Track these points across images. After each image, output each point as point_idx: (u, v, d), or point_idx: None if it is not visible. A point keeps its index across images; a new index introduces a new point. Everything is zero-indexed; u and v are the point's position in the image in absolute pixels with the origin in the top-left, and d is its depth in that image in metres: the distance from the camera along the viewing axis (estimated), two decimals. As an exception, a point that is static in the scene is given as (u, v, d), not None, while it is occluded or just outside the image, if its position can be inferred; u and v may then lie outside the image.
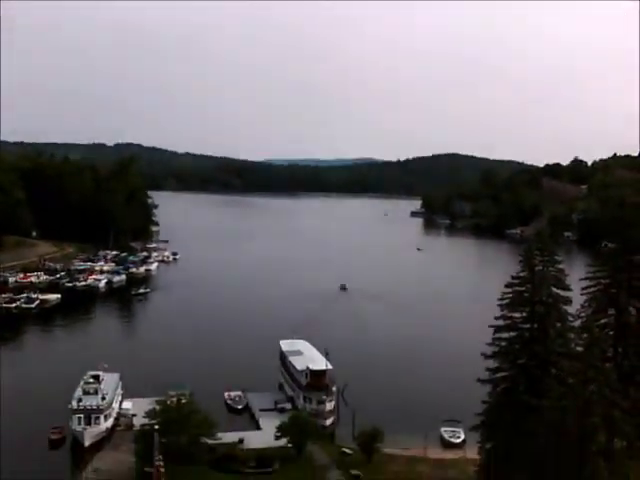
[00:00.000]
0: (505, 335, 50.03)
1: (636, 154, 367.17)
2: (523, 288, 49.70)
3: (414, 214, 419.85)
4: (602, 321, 55.55)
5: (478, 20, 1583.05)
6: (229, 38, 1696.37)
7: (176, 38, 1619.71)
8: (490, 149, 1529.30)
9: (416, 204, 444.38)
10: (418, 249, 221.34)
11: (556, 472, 30.04)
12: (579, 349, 41.41)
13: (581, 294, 55.15)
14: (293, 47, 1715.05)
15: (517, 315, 49.72)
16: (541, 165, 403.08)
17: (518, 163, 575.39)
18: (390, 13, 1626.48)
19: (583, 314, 53.52)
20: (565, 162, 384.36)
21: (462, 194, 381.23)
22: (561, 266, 50.37)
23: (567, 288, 49.69)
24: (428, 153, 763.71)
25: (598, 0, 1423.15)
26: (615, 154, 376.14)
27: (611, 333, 55.10)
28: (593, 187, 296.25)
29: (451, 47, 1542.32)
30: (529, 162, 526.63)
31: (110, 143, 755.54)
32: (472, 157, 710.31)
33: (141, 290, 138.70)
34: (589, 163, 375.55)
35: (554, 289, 49.47)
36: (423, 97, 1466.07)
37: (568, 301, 49.18)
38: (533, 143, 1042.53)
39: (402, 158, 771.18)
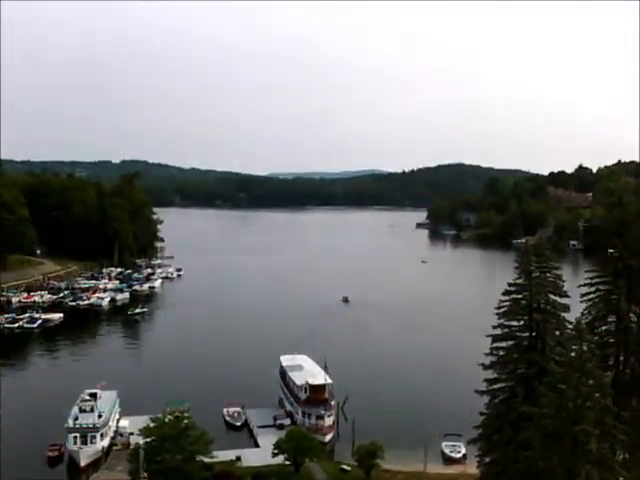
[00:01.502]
0: (503, 344, 49.16)
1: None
2: (520, 295, 48.79)
3: (419, 225, 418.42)
4: (602, 328, 54.62)
5: (483, 26, 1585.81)
6: (231, 51, 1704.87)
7: (179, 52, 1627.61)
8: (495, 158, 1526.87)
9: (421, 215, 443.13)
10: (423, 261, 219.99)
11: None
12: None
13: (580, 301, 54.23)
14: (292, 59, 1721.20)
15: (515, 324, 48.86)
16: (546, 173, 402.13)
17: (523, 172, 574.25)
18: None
19: (583, 321, 52.60)
20: (570, 170, 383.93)
21: (467, 204, 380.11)
22: (559, 272, 49.48)
23: (565, 295, 48.73)
24: (433, 163, 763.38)
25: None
26: (620, 160, 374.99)
27: (612, 340, 54.18)
28: (598, 194, 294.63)
29: (452, 60, 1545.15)
30: (534, 170, 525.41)
31: (116, 160, 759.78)
32: (477, 167, 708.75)
33: (137, 310, 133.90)
34: (594, 170, 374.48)
35: (552, 296, 48.54)
36: (427, 107, 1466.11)
37: (566, 308, 48.24)
38: (538, 151, 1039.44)
39: (407, 169, 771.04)
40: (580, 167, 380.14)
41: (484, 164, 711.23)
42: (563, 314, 47.92)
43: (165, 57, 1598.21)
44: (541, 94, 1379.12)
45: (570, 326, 49.09)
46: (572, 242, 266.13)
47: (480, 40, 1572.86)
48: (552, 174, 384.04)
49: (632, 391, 52.75)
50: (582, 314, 53.22)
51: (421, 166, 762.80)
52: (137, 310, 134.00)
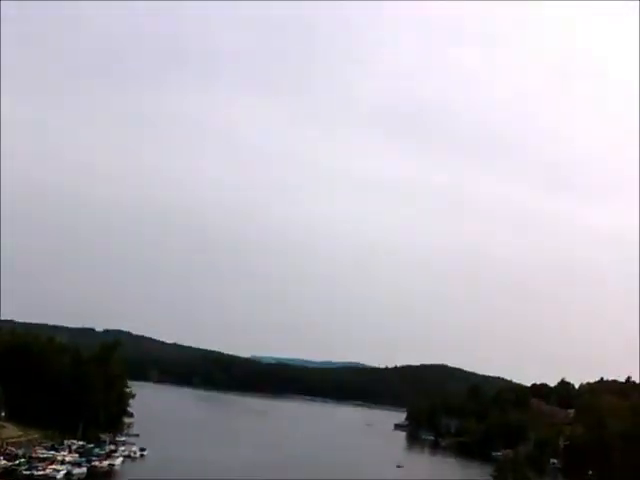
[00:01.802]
0: None
1: (623, 380, 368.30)
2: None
3: (398, 427, 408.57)
4: None
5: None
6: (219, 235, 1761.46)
7: (164, 225, 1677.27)
8: (478, 363, 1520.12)
9: (401, 416, 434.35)
10: (398, 466, 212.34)
11: None
12: None
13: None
14: (278, 249, 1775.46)
15: None
16: (528, 384, 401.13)
17: (506, 380, 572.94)
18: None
19: None
20: (552, 383, 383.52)
21: (448, 408, 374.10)
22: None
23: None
24: (416, 362, 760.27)
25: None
26: (602, 378, 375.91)
27: None
28: (579, 411, 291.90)
29: (440, 263, 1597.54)
30: (517, 380, 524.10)
31: (99, 328, 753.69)
32: (460, 370, 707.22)
33: None
34: (576, 385, 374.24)
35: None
36: (412, 306, 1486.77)
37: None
38: (520, 361, 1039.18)
39: (390, 365, 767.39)
40: (562, 381, 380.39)
41: (467, 368, 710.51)
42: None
43: (149, 228, 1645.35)
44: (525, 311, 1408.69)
45: None
46: (552, 460, 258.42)
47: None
48: (534, 386, 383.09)
49: None
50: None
51: (404, 363, 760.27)
52: None
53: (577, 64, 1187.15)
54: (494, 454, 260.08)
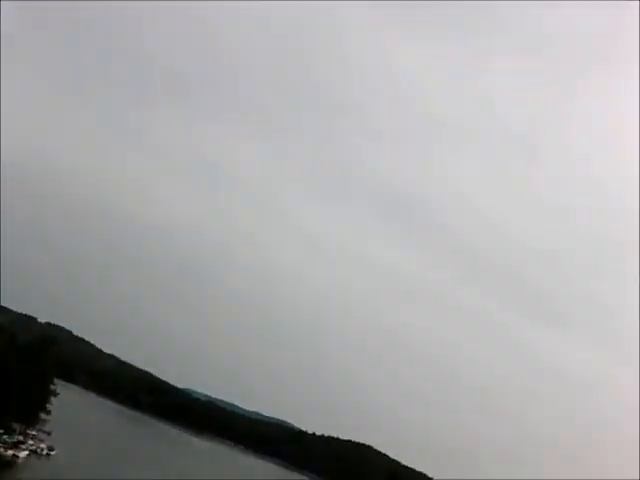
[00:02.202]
0: None
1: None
2: None
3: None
4: None
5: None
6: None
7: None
8: (406, 454, 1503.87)
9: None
10: None
11: None
12: None
13: None
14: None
15: None
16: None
17: (427, 477, 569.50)
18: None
19: None
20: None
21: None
22: None
23: None
24: (345, 436, 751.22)
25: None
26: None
27: None
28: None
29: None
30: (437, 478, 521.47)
31: (42, 319, 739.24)
32: (386, 456, 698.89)
33: None
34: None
35: None
36: (359, 385, 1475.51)
37: None
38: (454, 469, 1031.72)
39: (318, 432, 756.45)
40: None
41: (392, 454, 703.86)
42: None
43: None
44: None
45: None
46: None
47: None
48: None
49: None
50: None
51: (332, 434, 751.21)
52: None
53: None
54: None
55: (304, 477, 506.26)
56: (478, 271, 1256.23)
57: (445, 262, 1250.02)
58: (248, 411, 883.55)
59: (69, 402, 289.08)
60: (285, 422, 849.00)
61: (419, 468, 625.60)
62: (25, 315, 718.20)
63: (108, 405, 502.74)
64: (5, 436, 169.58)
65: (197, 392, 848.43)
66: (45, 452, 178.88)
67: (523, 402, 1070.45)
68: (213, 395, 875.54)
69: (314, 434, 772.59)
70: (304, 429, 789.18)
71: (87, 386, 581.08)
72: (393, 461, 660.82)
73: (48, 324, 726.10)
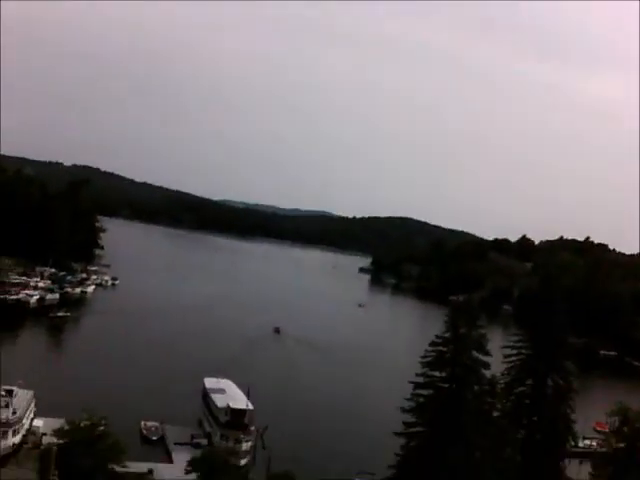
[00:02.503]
0: (424, 392, 51.10)
1: (582, 239, 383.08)
2: (445, 349, 51.08)
3: (362, 270, 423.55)
4: (519, 389, 57.26)
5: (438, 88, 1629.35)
6: (196, 68, 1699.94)
7: (143, 69, 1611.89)
8: (443, 218, 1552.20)
9: (365, 261, 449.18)
10: (360, 305, 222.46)
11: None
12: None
13: (502, 362, 56.77)
14: (263, 97, 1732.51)
15: (437, 374, 50.93)
16: (490, 239, 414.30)
17: (469, 234, 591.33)
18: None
19: (501, 381, 55.04)
20: (513, 239, 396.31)
21: (411, 257, 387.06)
22: (483, 331, 51.92)
23: (488, 353, 51.19)
24: (383, 214, 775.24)
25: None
26: (562, 237, 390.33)
27: (527, 402, 56.79)
28: (536, 265, 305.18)
29: (415, 112, 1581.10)
30: (479, 235, 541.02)
31: (67, 163, 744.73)
32: (425, 223, 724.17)
33: (60, 313, 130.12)
34: (536, 242, 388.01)
35: (475, 353, 50.94)
36: (382, 160, 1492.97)
37: (487, 365, 50.58)
38: (485, 218, 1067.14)
39: (358, 215, 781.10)
40: (523, 237, 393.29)
41: (432, 222, 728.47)
42: (483, 371, 50.28)
43: (129, 72, 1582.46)
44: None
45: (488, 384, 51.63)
46: (505, 306, 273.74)
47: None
48: (496, 240, 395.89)
49: (542, 450, 55.26)
50: (502, 374, 55.75)
51: (372, 215, 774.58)
52: (60, 313, 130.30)
53: None
54: (451, 298, 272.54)
55: (354, 255, 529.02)
56: None
57: None
58: (287, 209, 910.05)
59: (117, 233, 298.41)
60: (325, 212, 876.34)
61: (460, 229, 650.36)
62: (50, 162, 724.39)
63: (154, 230, 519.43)
64: (69, 276, 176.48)
65: (236, 202, 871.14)
66: (110, 283, 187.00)
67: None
68: (251, 201, 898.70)
69: (354, 217, 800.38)
70: (344, 215, 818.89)
71: (130, 217, 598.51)
72: (435, 227, 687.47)
73: (74, 166, 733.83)
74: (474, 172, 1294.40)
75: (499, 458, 31.43)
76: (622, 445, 68.23)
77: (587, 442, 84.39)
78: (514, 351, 57.50)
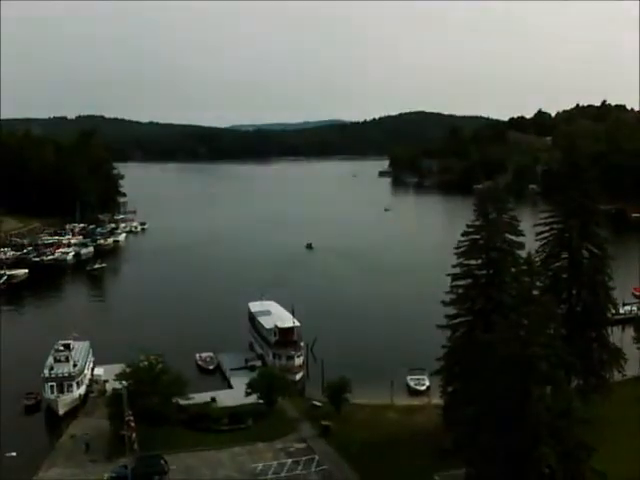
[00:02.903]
0: (462, 282, 51.82)
1: (598, 104, 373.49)
2: (478, 236, 51.33)
3: (382, 174, 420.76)
4: (556, 264, 57.58)
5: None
6: (190, 10, 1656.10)
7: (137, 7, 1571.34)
8: (457, 105, 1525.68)
9: (384, 164, 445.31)
10: (386, 209, 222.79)
11: (505, 402, 31.82)
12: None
13: (535, 240, 56.93)
14: (255, 13, 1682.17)
15: (473, 262, 51.43)
16: (506, 119, 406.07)
17: (484, 118, 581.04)
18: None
19: (537, 258, 55.33)
20: (529, 115, 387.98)
21: (429, 152, 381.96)
22: (514, 213, 51.93)
23: (520, 234, 51.41)
24: (395, 112, 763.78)
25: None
26: (578, 105, 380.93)
27: (565, 276, 57.21)
28: (556, 138, 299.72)
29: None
30: (495, 116, 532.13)
31: (71, 116, 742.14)
32: (439, 114, 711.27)
33: (96, 266, 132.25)
34: (553, 115, 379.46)
35: (508, 235, 51.16)
36: (388, 54, 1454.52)
37: (522, 246, 50.78)
38: (499, 97, 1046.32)
39: (369, 118, 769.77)
40: (539, 112, 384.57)
41: (445, 111, 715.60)
42: (518, 252, 50.54)
43: (125, 9, 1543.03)
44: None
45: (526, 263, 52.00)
46: (531, 185, 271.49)
47: None
48: (512, 120, 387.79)
49: (585, 322, 56.20)
50: (537, 251, 56.02)
51: (383, 115, 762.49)
52: (97, 265, 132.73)
53: None
54: (475, 187, 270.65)
55: (373, 161, 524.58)
56: None
57: None
58: (298, 123, 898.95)
59: (135, 178, 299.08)
60: (334, 120, 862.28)
61: (474, 114, 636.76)
62: (54, 118, 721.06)
63: (171, 168, 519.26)
64: (99, 229, 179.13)
65: (245, 126, 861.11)
66: (139, 228, 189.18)
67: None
68: (260, 123, 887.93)
69: (365, 121, 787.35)
70: (354, 119, 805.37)
71: (143, 159, 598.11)
72: (448, 116, 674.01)
73: (78, 117, 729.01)
74: (481, 49, 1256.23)
75: (544, 334, 32.12)
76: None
77: (627, 308, 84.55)
78: (546, 227, 57.35)
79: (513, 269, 49.90)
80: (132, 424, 43.57)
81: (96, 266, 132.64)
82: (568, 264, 56.79)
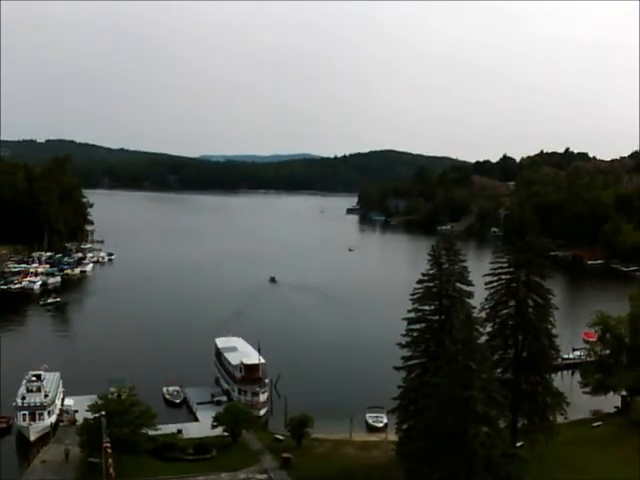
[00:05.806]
0: (417, 326, 56.06)
1: (562, 151, 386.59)
2: (432, 284, 55.78)
3: (350, 211, 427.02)
4: (504, 312, 62.28)
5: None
6: (165, 35, 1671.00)
7: (112, 30, 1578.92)
8: (425, 146, 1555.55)
9: (353, 201, 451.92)
10: (350, 249, 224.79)
11: (446, 439, 35.81)
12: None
13: (485, 288, 61.63)
14: (226, 45, 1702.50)
15: (427, 308, 55.78)
16: (473, 160, 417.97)
17: (451, 159, 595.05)
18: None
19: (486, 306, 60.09)
20: (495, 159, 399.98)
21: (397, 191, 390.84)
22: (465, 264, 56.57)
23: (470, 284, 55.93)
24: (365, 149, 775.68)
25: None
26: (542, 151, 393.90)
27: (511, 323, 61.89)
28: (519, 184, 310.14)
29: (379, 42, 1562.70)
30: (462, 158, 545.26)
31: (41, 139, 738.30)
32: (408, 154, 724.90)
33: (50, 300, 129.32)
34: (517, 160, 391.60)
35: (458, 284, 55.71)
36: (359, 94, 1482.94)
37: (471, 295, 55.38)
38: (465, 140, 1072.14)
39: (339, 154, 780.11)
40: (504, 157, 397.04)
41: (414, 151, 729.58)
42: (468, 300, 55.15)
43: (93, 34, 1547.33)
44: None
45: (474, 310, 56.56)
46: (493, 229, 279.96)
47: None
48: (477, 163, 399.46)
49: (530, 367, 60.69)
50: (486, 299, 60.71)
51: (353, 152, 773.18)
52: (50, 300, 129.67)
53: None
54: (440, 228, 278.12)
55: (340, 197, 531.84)
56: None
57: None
58: (267, 156, 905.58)
59: (103, 206, 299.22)
60: (305, 154, 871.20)
61: (442, 155, 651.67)
62: (24, 141, 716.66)
63: (139, 196, 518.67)
64: (66, 257, 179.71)
65: (215, 156, 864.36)
66: (106, 259, 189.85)
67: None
68: (230, 154, 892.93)
69: (336, 157, 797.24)
70: (325, 155, 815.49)
71: (111, 186, 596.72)
72: (417, 156, 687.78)
73: (48, 141, 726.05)
74: (450, 92, 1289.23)
75: (481, 378, 36.30)
76: (606, 352, 74.37)
77: (577, 353, 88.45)
78: (495, 277, 61.95)
79: (462, 316, 54.47)
80: (109, 450, 46.36)
81: (50, 300, 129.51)
82: (515, 312, 61.45)
